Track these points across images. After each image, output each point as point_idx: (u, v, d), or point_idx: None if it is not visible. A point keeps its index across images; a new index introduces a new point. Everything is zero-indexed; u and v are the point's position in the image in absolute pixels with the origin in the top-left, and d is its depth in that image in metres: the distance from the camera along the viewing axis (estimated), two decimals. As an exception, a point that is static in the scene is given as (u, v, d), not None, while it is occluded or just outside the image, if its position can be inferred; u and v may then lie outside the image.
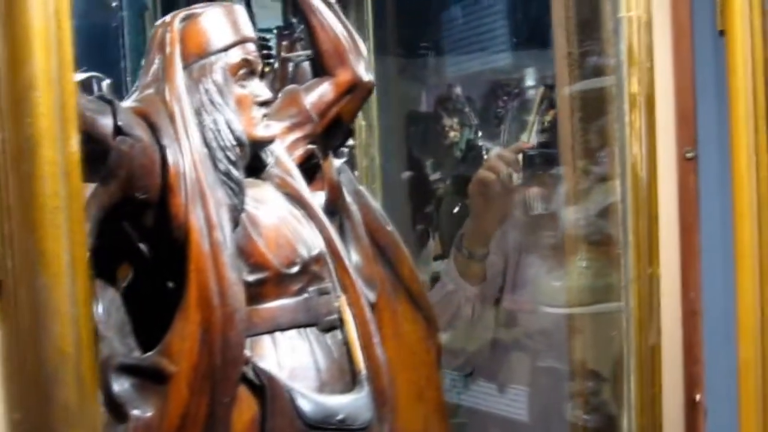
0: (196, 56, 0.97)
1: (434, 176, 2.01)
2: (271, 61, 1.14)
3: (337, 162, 1.14)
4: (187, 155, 0.91)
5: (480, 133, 1.76)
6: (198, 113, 0.95)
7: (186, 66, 0.96)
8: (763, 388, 1.11)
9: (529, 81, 1.61)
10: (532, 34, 1.59)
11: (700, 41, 1.18)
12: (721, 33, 1.13)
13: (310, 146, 1.08)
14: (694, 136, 1.19)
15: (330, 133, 1.10)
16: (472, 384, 1.72)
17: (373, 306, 1.07)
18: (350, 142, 1.24)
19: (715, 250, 1.17)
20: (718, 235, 1.16)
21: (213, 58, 0.98)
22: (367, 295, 1.07)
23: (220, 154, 0.95)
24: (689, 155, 1.19)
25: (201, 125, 0.95)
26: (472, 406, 1.74)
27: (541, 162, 1.54)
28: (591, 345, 1.47)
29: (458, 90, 1.84)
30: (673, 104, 1.19)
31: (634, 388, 1.16)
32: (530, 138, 1.59)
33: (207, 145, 0.95)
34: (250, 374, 0.93)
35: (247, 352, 0.93)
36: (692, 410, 1.23)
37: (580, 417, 1.52)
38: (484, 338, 1.67)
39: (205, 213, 0.90)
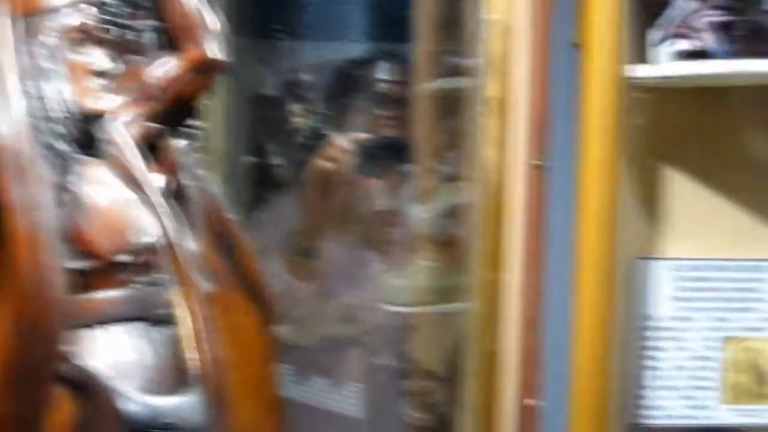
0: (26, 12, 0.87)
1: (276, 162, 1.95)
2: (114, 28, 1.05)
3: (180, 143, 1.06)
4: (5, 124, 0.81)
5: (326, 122, 1.72)
6: (23, 78, 0.85)
7: (13, 22, 0.86)
8: (595, 396, 1.13)
9: (382, 74, 1.59)
10: (390, 28, 1.56)
11: (557, 52, 1.19)
12: (577, 46, 1.14)
13: (151, 124, 1.00)
14: (545, 144, 1.20)
15: (174, 112, 1.02)
16: (308, 381, 1.68)
17: (209, 298, 1.01)
18: (195, 123, 1.16)
19: (558, 259, 1.19)
20: (562, 244, 1.18)
21: (46, 16, 0.88)
22: (204, 286, 1.01)
23: (45, 126, 0.86)
24: (538, 163, 1.20)
25: (26, 92, 0.85)
26: (308, 402, 1.70)
27: (387, 157, 1.52)
28: (430, 345, 1.47)
29: (308, 76, 1.79)
30: (526, 111, 1.19)
31: (472, 390, 1.16)
32: (376, 131, 1.57)
33: (31, 114, 0.85)
34: (69, 372, 0.85)
35: (66, 347, 0.85)
36: (528, 414, 1.25)
37: (414, 416, 1.52)
38: (319, 335, 1.64)
39: (25, 191, 0.80)
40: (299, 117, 1.85)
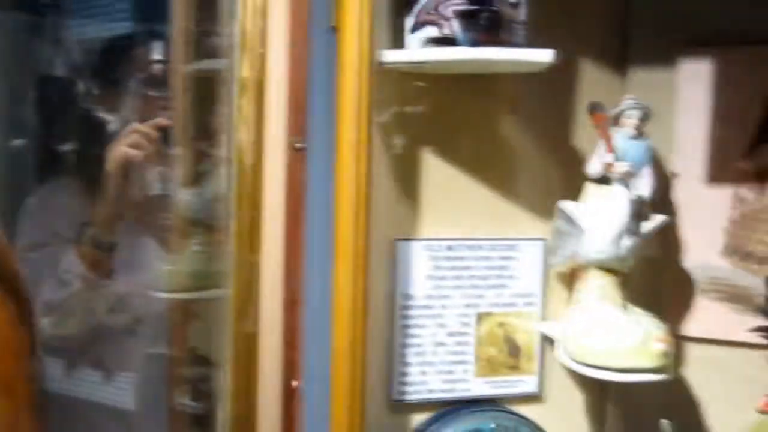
0: None
1: (60, 147, 1.85)
2: None
3: None
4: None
5: (97, 104, 1.65)
6: None
7: None
8: (353, 374, 1.15)
9: (153, 54, 1.54)
10: (157, 7, 1.52)
11: (316, 35, 1.19)
12: (335, 29, 1.15)
13: None
14: (305, 127, 1.21)
15: None
16: (76, 372, 1.61)
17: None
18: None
19: (318, 241, 1.20)
20: (322, 226, 1.19)
21: None
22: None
23: None
24: (298, 146, 1.20)
25: None
26: (77, 396, 1.63)
27: (160, 140, 1.48)
28: (199, 331, 1.44)
29: (77, 55, 1.71)
30: (285, 94, 1.19)
31: (230, 375, 1.15)
32: (146, 114, 1.52)
33: None
34: None
35: None
36: (290, 396, 1.25)
37: (186, 404, 1.49)
38: (91, 325, 1.57)
39: None
40: (79, 99, 1.77)
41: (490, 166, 1.30)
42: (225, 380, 1.16)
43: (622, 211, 1.12)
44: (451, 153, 1.28)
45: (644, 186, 1.19)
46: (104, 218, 1.58)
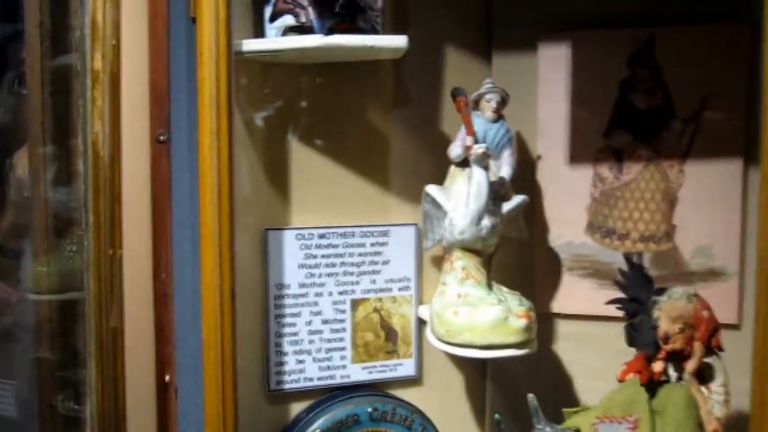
0: None
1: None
2: None
3: None
4: None
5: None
6: None
7: None
8: (224, 366, 1.15)
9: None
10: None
11: (175, 25, 1.19)
12: (194, 20, 1.15)
13: None
14: (167, 118, 1.20)
15: None
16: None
17: None
18: None
19: (185, 233, 1.19)
20: (188, 217, 1.18)
21: None
22: None
23: None
24: (162, 138, 1.20)
25: None
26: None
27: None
28: (75, 332, 1.42)
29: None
30: (146, 85, 1.18)
31: (96, 372, 1.14)
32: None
33: None
34: None
35: None
36: (164, 390, 1.25)
37: (65, 406, 1.46)
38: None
39: None
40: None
41: (358, 154, 1.32)
42: (91, 377, 1.15)
43: (482, 193, 1.15)
44: (318, 141, 1.29)
45: (505, 168, 1.22)
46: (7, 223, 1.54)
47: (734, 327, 1.23)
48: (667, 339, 1.05)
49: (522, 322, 1.14)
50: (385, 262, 1.33)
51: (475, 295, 1.17)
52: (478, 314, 1.14)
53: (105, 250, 1.11)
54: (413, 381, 1.37)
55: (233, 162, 1.12)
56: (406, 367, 1.36)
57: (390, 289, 1.34)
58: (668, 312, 1.06)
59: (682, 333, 1.04)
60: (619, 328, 1.16)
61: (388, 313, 1.34)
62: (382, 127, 1.33)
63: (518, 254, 1.35)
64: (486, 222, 1.17)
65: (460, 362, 1.40)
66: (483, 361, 1.40)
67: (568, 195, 1.32)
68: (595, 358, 1.32)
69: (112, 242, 1.11)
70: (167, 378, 1.24)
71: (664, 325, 1.05)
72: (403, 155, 1.34)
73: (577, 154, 1.31)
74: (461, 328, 1.15)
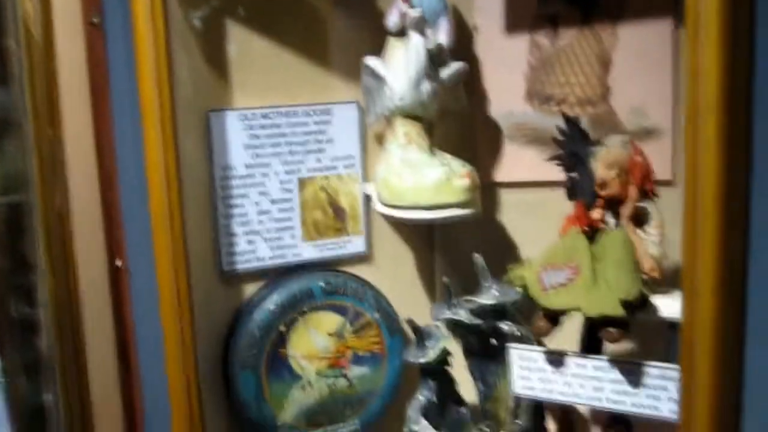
0: None
1: None
2: None
3: None
4: None
5: None
6: None
7: None
8: (174, 247, 1.16)
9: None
10: None
11: None
12: None
13: None
14: (100, 1, 1.19)
15: None
16: None
17: None
18: None
19: (125, 116, 1.19)
20: (128, 99, 1.17)
21: None
22: None
23: None
24: (95, 20, 1.18)
25: None
26: None
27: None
28: (24, 235, 1.41)
29: None
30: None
31: (45, 259, 1.14)
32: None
33: None
34: None
35: None
36: (115, 274, 1.26)
37: (23, 311, 1.46)
38: None
39: None
40: None
41: (296, 33, 1.31)
42: (41, 265, 1.15)
43: (419, 57, 1.16)
44: (256, 22, 1.29)
45: (441, 35, 1.23)
46: None
47: (668, 183, 1.27)
48: (603, 185, 1.09)
49: (465, 181, 1.16)
50: (330, 141, 1.35)
51: (418, 159, 1.19)
52: (421, 176, 1.17)
53: (45, 131, 1.10)
54: (364, 257, 1.40)
55: (170, 46, 1.12)
56: (355, 244, 1.38)
57: (335, 167, 1.36)
58: (604, 159, 1.09)
59: (617, 178, 1.08)
60: (562, 192, 1.19)
61: (335, 191, 1.36)
62: (320, 4, 1.33)
63: (460, 126, 1.37)
64: (425, 86, 1.18)
65: (408, 236, 1.43)
66: (431, 234, 1.44)
67: (506, 65, 1.34)
68: (540, 223, 1.34)
69: (51, 122, 1.11)
70: (119, 263, 1.25)
71: (601, 172, 1.09)
72: (342, 32, 1.34)
73: (513, 23, 1.33)
74: (406, 191, 1.17)
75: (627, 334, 1.05)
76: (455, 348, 1.26)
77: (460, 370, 1.27)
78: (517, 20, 1.33)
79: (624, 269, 1.06)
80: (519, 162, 1.36)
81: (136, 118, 1.14)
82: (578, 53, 1.31)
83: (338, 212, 1.37)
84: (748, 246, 0.93)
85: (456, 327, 1.24)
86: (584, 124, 1.29)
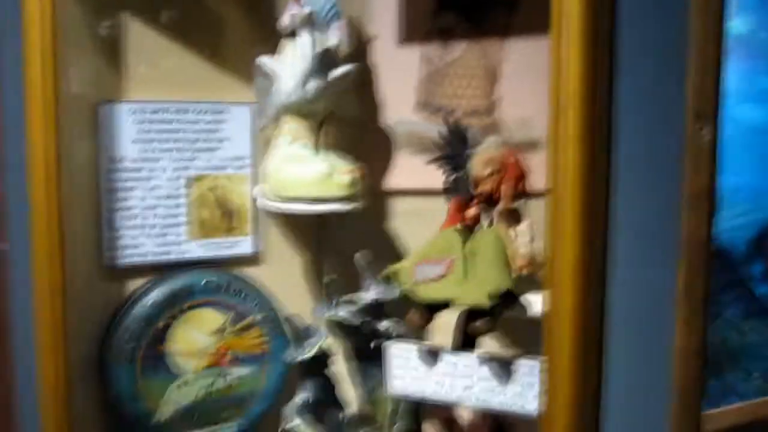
0: None
1: None
2: None
3: None
4: None
5: None
6: None
7: None
8: (52, 239, 1.14)
9: None
10: None
11: None
12: None
13: None
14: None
15: None
16: None
17: None
18: None
19: (14, 98, 1.18)
20: (17, 89, 1.17)
21: None
22: None
23: None
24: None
25: None
26: None
27: None
28: None
29: None
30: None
31: None
32: None
33: None
34: None
35: None
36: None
37: None
38: None
39: None
40: None
41: (195, 31, 1.33)
42: None
43: (306, 54, 1.19)
44: (154, 16, 1.30)
45: (333, 37, 1.26)
46: None
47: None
48: (477, 183, 1.12)
49: (346, 177, 1.19)
50: (221, 140, 1.36)
51: (302, 155, 1.21)
52: (304, 170, 1.18)
53: None
54: (252, 259, 1.40)
55: (58, 36, 1.12)
56: (243, 245, 1.39)
57: (226, 167, 1.36)
58: (479, 159, 1.12)
59: (491, 177, 1.11)
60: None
61: (224, 192, 1.36)
62: (217, 5, 1.35)
63: (352, 134, 1.40)
64: (311, 84, 1.21)
65: (297, 239, 1.44)
66: (318, 236, 1.45)
67: (398, 74, 1.37)
68: (429, 230, 1.37)
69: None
70: (3, 246, 1.23)
71: (475, 171, 1.12)
72: (240, 34, 1.36)
73: (406, 35, 1.37)
74: (289, 184, 1.19)
75: (494, 327, 1.08)
76: (338, 351, 1.26)
77: (343, 373, 1.27)
78: (410, 32, 1.37)
79: (493, 265, 1.09)
80: (408, 170, 1.38)
81: (22, 105, 1.14)
82: (467, 66, 1.35)
83: (227, 212, 1.37)
84: (608, 242, 0.97)
85: (336, 327, 1.25)
86: (470, 131, 1.34)
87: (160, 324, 1.28)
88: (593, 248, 0.96)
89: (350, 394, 1.32)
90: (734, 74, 1.10)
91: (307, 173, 1.18)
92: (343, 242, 1.42)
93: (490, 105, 1.34)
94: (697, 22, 0.94)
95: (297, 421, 1.22)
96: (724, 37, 0.95)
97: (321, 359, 1.26)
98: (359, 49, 1.37)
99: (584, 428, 0.99)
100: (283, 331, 1.36)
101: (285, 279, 1.43)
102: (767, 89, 1.23)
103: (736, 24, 1.17)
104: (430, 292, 1.09)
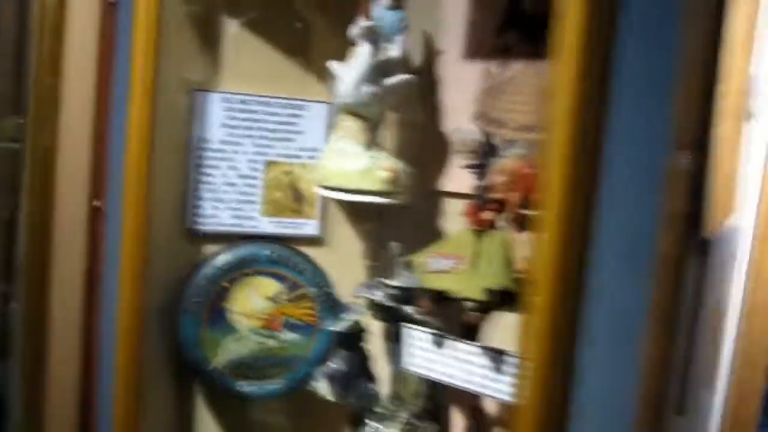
0: None
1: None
2: None
3: None
4: None
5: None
6: None
7: None
8: (144, 202, 1.36)
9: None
10: None
11: None
12: None
13: None
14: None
15: None
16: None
17: None
18: None
19: (122, 85, 1.41)
20: (126, 66, 1.40)
21: None
22: None
23: None
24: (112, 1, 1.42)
25: None
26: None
27: None
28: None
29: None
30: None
31: (28, 187, 1.37)
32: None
33: None
34: None
35: None
36: (95, 213, 1.47)
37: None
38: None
39: None
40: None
41: (283, 33, 1.52)
42: (25, 189, 1.38)
43: (362, 61, 1.34)
44: (248, 19, 1.50)
45: (394, 49, 1.40)
46: None
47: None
48: (492, 189, 1.23)
49: (386, 174, 1.33)
50: (299, 132, 1.54)
51: (349, 150, 1.36)
52: (347, 163, 1.34)
53: (45, 78, 1.34)
54: (315, 240, 1.57)
55: (160, 29, 1.34)
56: (309, 227, 1.56)
57: (300, 157, 1.54)
58: (499, 167, 1.23)
59: (505, 184, 1.22)
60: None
61: (296, 178, 1.54)
62: (306, 12, 1.53)
63: (413, 137, 1.53)
64: (366, 89, 1.35)
65: (357, 228, 1.59)
66: (378, 228, 1.59)
67: (460, 87, 1.49)
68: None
69: (53, 71, 1.34)
70: (96, 203, 1.47)
71: (493, 178, 1.23)
72: (322, 39, 1.54)
73: (471, 51, 1.49)
74: (333, 174, 1.35)
75: (486, 319, 1.18)
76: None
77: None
78: (474, 49, 1.49)
79: (495, 264, 1.20)
80: (461, 175, 1.50)
81: (128, 87, 1.37)
82: (523, 83, 1.45)
83: (297, 196, 1.55)
84: (588, 251, 1.05)
85: (373, 307, 1.39)
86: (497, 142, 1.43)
87: (225, 284, 1.48)
88: (572, 257, 1.04)
89: (385, 371, 1.45)
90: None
91: (350, 167, 1.33)
92: (399, 235, 1.56)
93: (540, 121, 1.44)
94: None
95: (322, 382, 1.37)
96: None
97: (354, 332, 1.40)
98: (428, 61, 1.51)
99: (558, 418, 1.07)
100: (333, 308, 1.52)
101: (342, 262, 1.59)
102: None
103: None
104: (434, 282, 1.22)
